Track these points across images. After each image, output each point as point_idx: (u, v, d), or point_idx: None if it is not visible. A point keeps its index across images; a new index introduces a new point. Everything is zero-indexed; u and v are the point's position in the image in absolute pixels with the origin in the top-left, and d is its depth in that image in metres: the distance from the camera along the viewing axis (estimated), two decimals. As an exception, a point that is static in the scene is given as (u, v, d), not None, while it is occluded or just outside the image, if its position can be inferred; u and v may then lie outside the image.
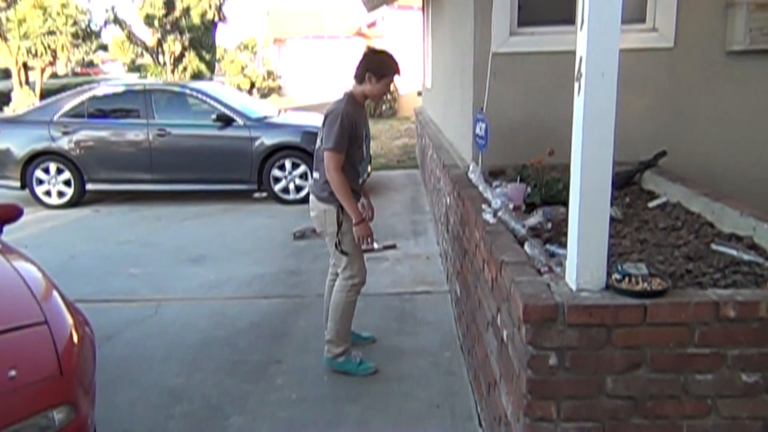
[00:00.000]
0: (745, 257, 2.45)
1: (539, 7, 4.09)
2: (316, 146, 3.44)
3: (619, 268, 2.12)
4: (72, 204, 8.01)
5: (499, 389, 2.42)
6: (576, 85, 1.99)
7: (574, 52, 2.00)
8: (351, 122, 3.28)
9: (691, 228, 2.92)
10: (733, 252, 2.51)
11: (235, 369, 3.63)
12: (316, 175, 3.43)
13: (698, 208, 3.15)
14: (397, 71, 3.37)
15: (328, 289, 3.73)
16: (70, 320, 2.45)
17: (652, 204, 3.41)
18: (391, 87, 3.40)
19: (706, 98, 4.13)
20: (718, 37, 4.03)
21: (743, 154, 4.15)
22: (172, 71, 26.69)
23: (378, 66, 3.33)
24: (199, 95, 8.12)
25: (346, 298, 3.47)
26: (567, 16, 3.78)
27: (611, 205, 2.09)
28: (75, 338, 2.36)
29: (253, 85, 27.53)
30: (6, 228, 3.10)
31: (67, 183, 7.98)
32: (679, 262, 2.48)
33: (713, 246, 2.62)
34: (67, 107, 8.05)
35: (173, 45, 26.40)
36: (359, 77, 3.35)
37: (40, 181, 7.97)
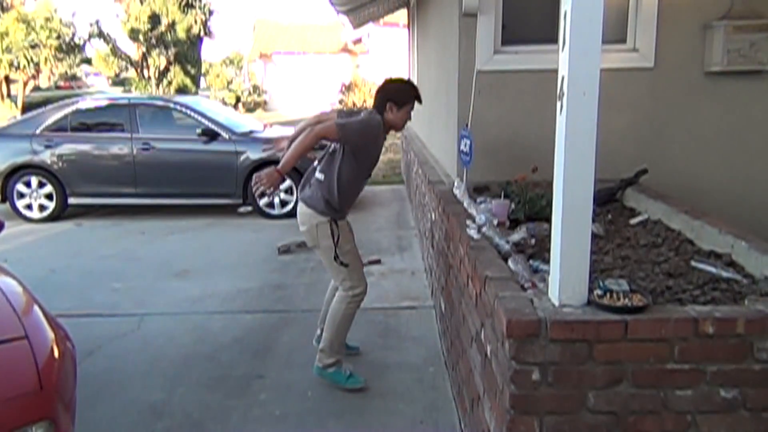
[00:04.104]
0: (724, 274, 2.49)
1: (523, 26, 4.16)
2: (330, 149, 3.40)
3: (601, 284, 2.15)
4: (54, 218, 7.92)
5: (483, 404, 2.43)
6: (558, 103, 2.03)
7: (557, 70, 2.04)
8: (375, 140, 3.31)
9: (671, 245, 2.96)
10: (712, 269, 2.55)
11: (217, 384, 3.60)
12: (320, 176, 3.36)
13: (678, 225, 3.20)
14: (417, 98, 3.39)
15: (329, 296, 3.75)
16: (50, 335, 2.42)
17: (633, 221, 3.45)
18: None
19: (686, 117, 4.21)
20: (696, 58, 4.12)
21: (722, 172, 4.23)
22: (157, 85, 26.62)
23: (397, 95, 3.35)
24: (184, 109, 8.11)
25: (345, 309, 3.45)
26: (550, 35, 3.84)
27: (593, 221, 2.12)
28: (56, 353, 2.33)
29: (238, 99, 27.56)
30: (-13, 241, 3.06)
31: (48, 197, 7.90)
32: (659, 278, 2.52)
33: (693, 263, 2.66)
34: (50, 121, 8.00)
35: (158, 59, 26.37)
36: (379, 108, 3.35)
37: (21, 195, 7.88)
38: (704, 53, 4.10)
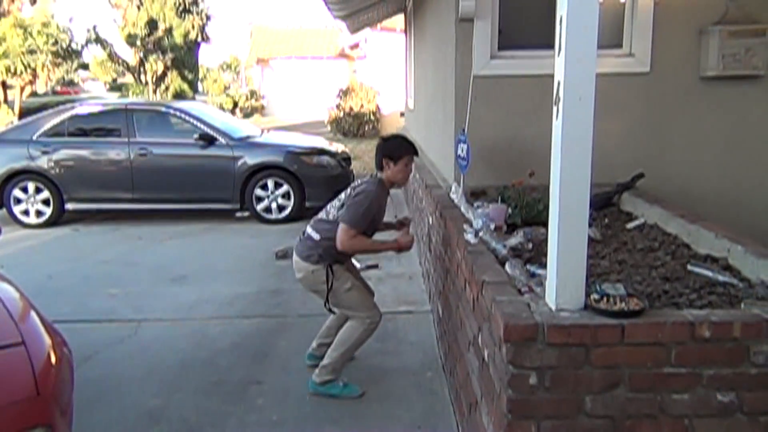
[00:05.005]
0: (720, 278, 2.50)
1: (519, 31, 4.17)
2: (327, 212, 3.46)
3: (598, 288, 2.15)
4: (51, 223, 7.90)
5: (480, 409, 2.43)
6: (554, 109, 2.03)
7: (553, 75, 2.05)
8: (378, 206, 3.39)
9: (667, 249, 2.97)
10: (709, 273, 2.56)
11: (215, 390, 3.59)
12: (316, 236, 3.40)
13: (675, 229, 3.21)
14: (411, 151, 3.45)
15: (335, 318, 3.74)
16: (47, 341, 2.42)
17: (630, 225, 3.46)
18: (411, 167, 3.49)
19: (682, 122, 4.22)
20: (692, 63, 4.14)
21: (717, 177, 4.25)
22: (154, 90, 26.63)
23: (390, 150, 3.42)
24: (182, 114, 8.11)
25: (360, 335, 3.47)
26: (546, 41, 3.84)
27: (590, 226, 2.13)
28: (53, 359, 2.33)
29: (235, 104, 27.57)
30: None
31: (45, 202, 7.88)
32: (656, 282, 2.52)
33: (689, 267, 2.67)
34: (47, 126, 7.98)
35: (155, 64, 26.38)
36: (378, 166, 3.45)
37: (18, 201, 7.86)
38: (700, 58, 4.13)
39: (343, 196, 3.44)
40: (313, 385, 3.50)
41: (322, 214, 3.49)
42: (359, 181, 3.48)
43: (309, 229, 3.48)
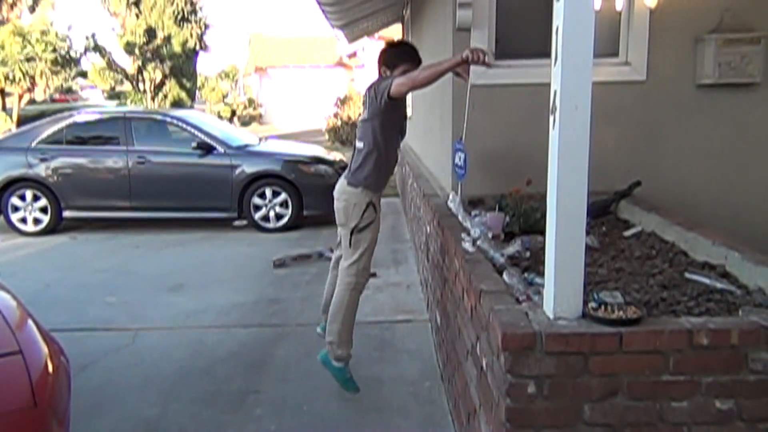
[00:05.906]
0: (718, 285, 2.51)
1: (516, 40, 4.19)
2: (361, 119, 3.45)
3: (596, 296, 2.16)
4: (48, 231, 7.90)
5: (479, 418, 2.42)
6: (551, 117, 2.04)
7: (550, 84, 2.06)
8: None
9: (665, 257, 2.97)
10: (706, 280, 2.57)
11: (212, 399, 3.58)
12: (360, 144, 3.41)
13: (672, 237, 3.21)
14: (408, 59, 3.43)
15: (329, 286, 3.80)
16: (44, 350, 2.41)
17: (627, 233, 3.47)
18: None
19: (678, 130, 4.24)
20: (688, 71, 4.16)
21: (714, 184, 4.26)
22: (153, 99, 26.65)
23: (388, 58, 3.45)
24: (180, 123, 8.12)
25: (349, 298, 3.47)
26: (543, 50, 3.85)
27: (588, 234, 2.13)
28: (50, 368, 2.32)
29: (233, 113, 27.63)
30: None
31: (43, 210, 7.88)
32: (653, 290, 2.53)
33: (687, 275, 2.67)
34: (45, 134, 7.99)
35: (153, 73, 26.41)
36: (379, 74, 3.45)
37: (16, 208, 7.86)
38: (696, 66, 4.15)
39: (366, 100, 3.39)
40: (325, 356, 3.50)
41: (359, 122, 3.47)
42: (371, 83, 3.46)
43: (357, 142, 3.46)
